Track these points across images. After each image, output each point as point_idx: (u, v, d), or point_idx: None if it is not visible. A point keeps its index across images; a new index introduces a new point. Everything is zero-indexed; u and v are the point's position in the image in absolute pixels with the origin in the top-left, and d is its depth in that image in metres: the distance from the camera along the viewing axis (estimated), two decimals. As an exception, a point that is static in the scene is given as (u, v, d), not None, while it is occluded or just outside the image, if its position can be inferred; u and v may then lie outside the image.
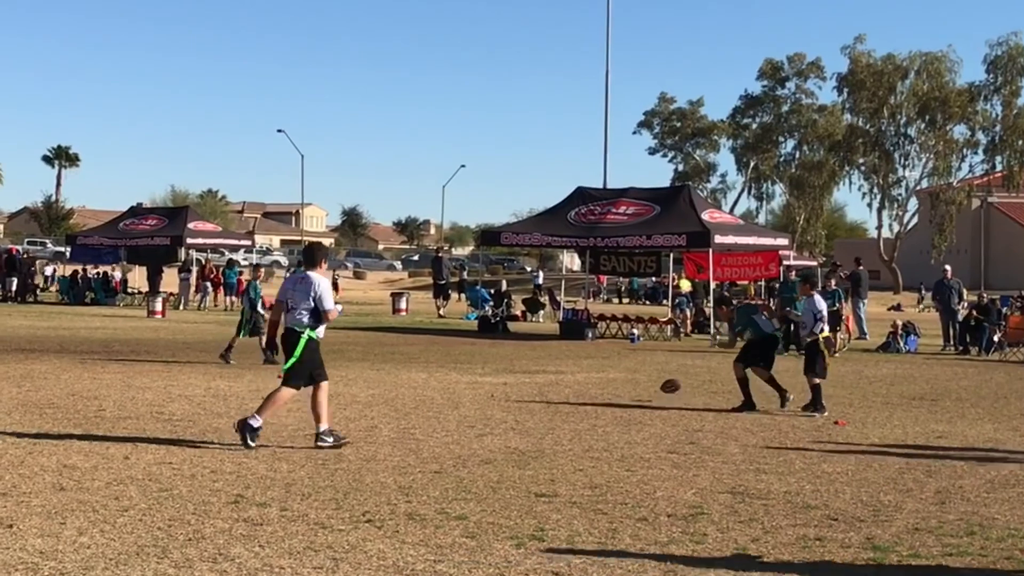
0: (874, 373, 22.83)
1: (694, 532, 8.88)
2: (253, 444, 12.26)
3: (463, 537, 8.58)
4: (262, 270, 23.07)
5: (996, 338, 29.27)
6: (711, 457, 12.40)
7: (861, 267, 35.66)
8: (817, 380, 16.28)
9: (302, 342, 12.54)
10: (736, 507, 9.84)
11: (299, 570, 7.60)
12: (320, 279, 12.73)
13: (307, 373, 12.58)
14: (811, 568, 7.91)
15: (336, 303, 13.50)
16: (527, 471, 11.32)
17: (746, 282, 42.27)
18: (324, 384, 12.67)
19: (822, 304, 16.96)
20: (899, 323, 31.01)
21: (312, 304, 12.53)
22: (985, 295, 35.86)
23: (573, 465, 11.73)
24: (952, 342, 30.50)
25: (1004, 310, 32.28)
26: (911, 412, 16.67)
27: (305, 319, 12.56)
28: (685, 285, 39.17)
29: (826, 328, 16.95)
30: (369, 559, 7.91)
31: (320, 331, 12.74)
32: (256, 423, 12.41)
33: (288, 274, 15.45)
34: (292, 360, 12.51)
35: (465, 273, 54.38)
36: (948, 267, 33.88)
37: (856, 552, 8.36)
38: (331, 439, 12.51)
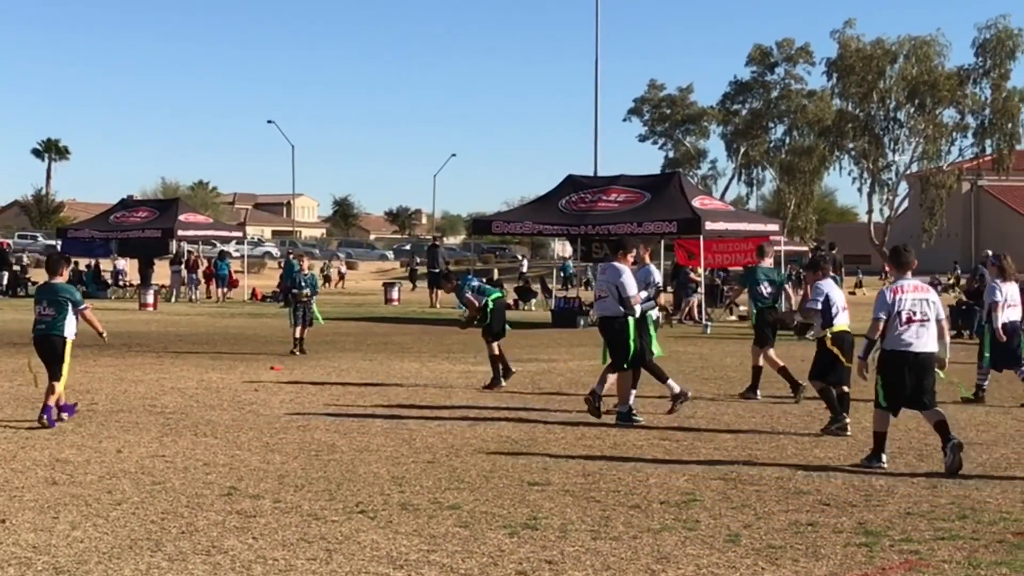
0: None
1: (687, 519, 8.90)
2: (641, 418, 13.65)
3: (456, 527, 8.60)
4: (305, 259, 24.86)
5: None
6: (703, 443, 12.43)
7: (834, 252, 35.98)
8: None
9: (630, 328, 13.59)
10: (728, 493, 9.86)
11: (292, 562, 7.62)
12: (623, 268, 13.72)
13: (643, 352, 13.75)
14: (802, 552, 7.95)
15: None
16: (520, 460, 11.35)
17: (738, 268, 42.19)
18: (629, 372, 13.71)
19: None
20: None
21: (616, 292, 13.56)
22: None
23: (566, 453, 11.75)
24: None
25: (995, 293, 32.26)
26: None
27: (616, 306, 13.58)
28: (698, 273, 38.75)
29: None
30: (363, 550, 7.93)
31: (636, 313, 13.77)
32: (625, 408, 13.66)
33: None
34: (632, 346, 13.54)
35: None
36: (990, 252, 33.72)
37: (848, 537, 8.39)
38: (634, 419, 13.57)
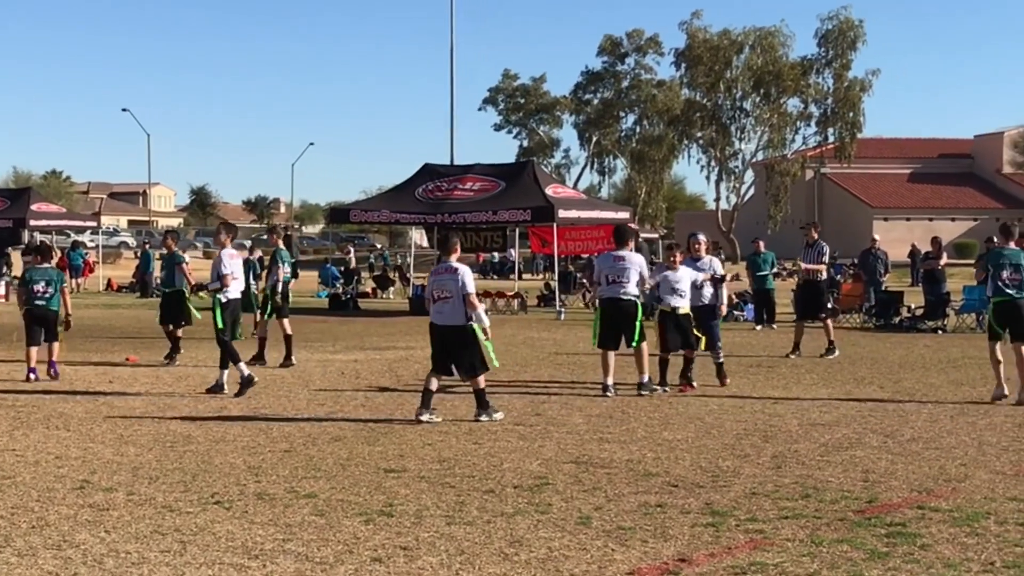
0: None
1: (539, 502, 9.07)
2: (658, 388, 15.44)
3: (312, 515, 8.65)
4: (257, 251, 27.21)
5: (830, 305, 30.00)
6: (556, 428, 12.63)
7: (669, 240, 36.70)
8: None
9: (639, 310, 15.24)
10: (580, 476, 10.07)
11: (146, 554, 7.59)
12: (638, 257, 15.40)
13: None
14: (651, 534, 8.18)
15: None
16: (376, 447, 11.42)
17: (592, 255, 42.69)
18: (645, 344, 15.33)
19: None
20: (733, 293, 31.35)
21: (638, 277, 15.16)
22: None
23: (422, 440, 11.85)
24: (871, 312, 29.30)
25: (838, 278, 33.18)
26: (748, 379, 17.14)
27: (633, 291, 15.15)
28: None
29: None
30: (217, 540, 7.93)
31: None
32: (646, 378, 15.38)
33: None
34: (638, 326, 15.16)
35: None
36: (877, 236, 34.28)
37: (696, 517, 8.62)
38: (655, 389, 15.36)
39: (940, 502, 9.09)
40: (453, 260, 13.30)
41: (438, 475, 10.11)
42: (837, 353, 20.36)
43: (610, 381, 15.20)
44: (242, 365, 15.17)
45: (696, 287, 16.09)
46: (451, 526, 8.34)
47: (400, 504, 9.00)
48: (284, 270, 19.37)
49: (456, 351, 13.08)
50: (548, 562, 7.47)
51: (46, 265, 17.16)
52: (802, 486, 9.70)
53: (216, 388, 15.25)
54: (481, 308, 13.39)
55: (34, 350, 16.58)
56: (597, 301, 15.82)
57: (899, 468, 10.48)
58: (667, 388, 15.61)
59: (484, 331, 13.12)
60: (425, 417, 12.85)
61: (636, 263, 15.23)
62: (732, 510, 8.85)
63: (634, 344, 15.23)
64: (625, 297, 15.15)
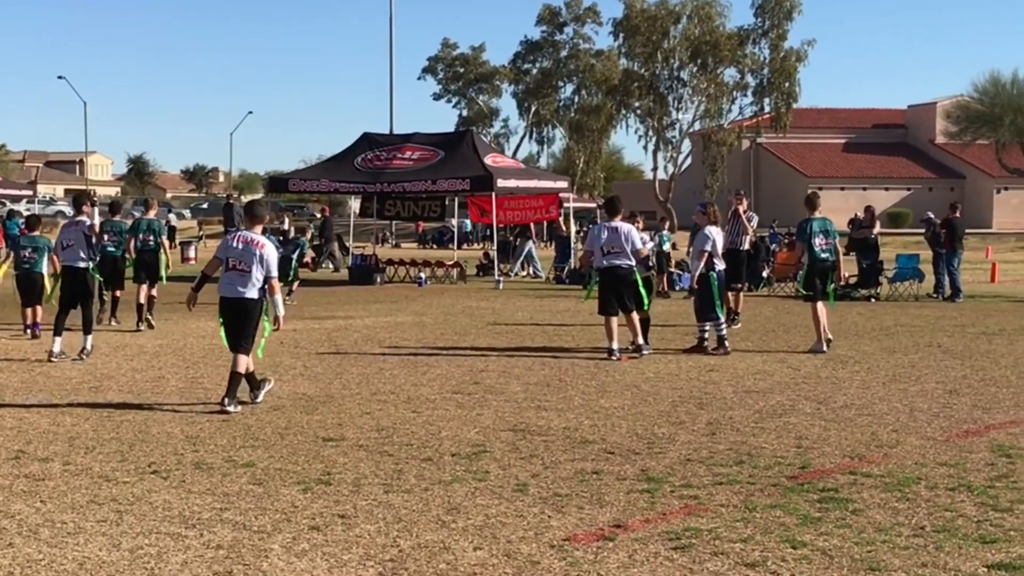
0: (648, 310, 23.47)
1: (477, 470, 9.14)
2: (647, 350, 16.19)
3: (250, 484, 8.66)
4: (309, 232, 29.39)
5: (765, 274, 30.36)
6: (494, 396, 12.70)
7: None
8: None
9: (638, 277, 16.09)
10: (517, 444, 10.14)
11: (82, 524, 7.57)
12: (630, 226, 16.30)
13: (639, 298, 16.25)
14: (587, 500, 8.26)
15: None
16: (315, 416, 11.43)
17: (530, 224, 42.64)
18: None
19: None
20: (673, 261, 31.76)
21: (628, 247, 15.90)
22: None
23: (360, 408, 11.88)
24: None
25: (773, 247, 33.44)
26: (684, 347, 17.27)
27: (628, 258, 15.96)
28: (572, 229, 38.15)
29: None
30: (154, 510, 7.93)
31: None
32: (641, 340, 16.22)
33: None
34: (643, 291, 16.15)
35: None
36: (931, 214, 34.14)
37: (631, 484, 8.72)
38: (647, 351, 16.15)
39: (872, 468, 9.25)
40: (257, 232, 12.21)
41: (376, 444, 10.14)
42: (739, 325, 20.42)
43: (615, 345, 15.89)
44: (89, 338, 15.81)
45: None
46: (389, 494, 8.38)
47: (338, 473, 9.03)
48: (149, 238, 20.38)
49: (237, 324, 12.00)
50: (485, 529, 7.53)
51: (35, 233, 18.64)
52: (736, 452, 9.82)
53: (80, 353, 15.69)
54: (279, 296, 12.26)
55: (29, 311, 18.30)
56: (596, 270, 16.62)
57: (832, 434, 10.64)
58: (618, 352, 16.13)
59: (276, 319, 12.12)
60: (232, 408, 11.66)
61: (629, 233, 16.01)
62: (667, 476, 8.95)
63: (646, 307, 16.36)
64: (624, 265, 16.01)
